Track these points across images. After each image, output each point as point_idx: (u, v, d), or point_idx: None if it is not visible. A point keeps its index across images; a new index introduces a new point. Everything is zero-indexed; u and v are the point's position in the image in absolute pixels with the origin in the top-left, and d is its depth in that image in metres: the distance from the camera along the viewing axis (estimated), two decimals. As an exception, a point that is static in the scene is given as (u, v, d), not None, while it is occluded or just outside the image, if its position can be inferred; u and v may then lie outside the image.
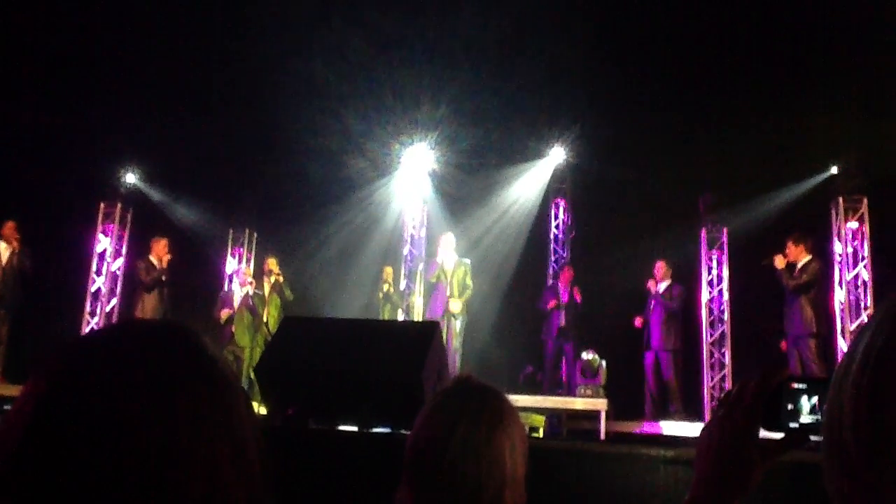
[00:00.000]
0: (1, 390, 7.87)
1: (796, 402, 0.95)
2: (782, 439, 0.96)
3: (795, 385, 0.96)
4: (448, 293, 9.10)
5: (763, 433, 0.97)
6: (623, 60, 9.96)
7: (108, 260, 12.10)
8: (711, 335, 10.85)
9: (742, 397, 0.97)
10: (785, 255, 8.08)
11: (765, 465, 0.96)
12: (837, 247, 10.34)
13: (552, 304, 9.58)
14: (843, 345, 9.48)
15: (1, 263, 9.18)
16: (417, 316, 10.85)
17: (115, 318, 11.90)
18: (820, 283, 8.17)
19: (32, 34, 10.01)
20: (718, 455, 0.97)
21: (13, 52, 10.09)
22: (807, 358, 7.93)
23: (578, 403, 8.23)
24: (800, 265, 8.06)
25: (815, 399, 0.95)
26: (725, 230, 11.08)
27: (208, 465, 0.69)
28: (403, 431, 3.53)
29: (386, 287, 10.58)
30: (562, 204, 12.12)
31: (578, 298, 9.51)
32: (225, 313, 9.81)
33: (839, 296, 10.01)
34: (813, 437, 0.93)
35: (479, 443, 1.44)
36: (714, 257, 11.14)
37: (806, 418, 0.95)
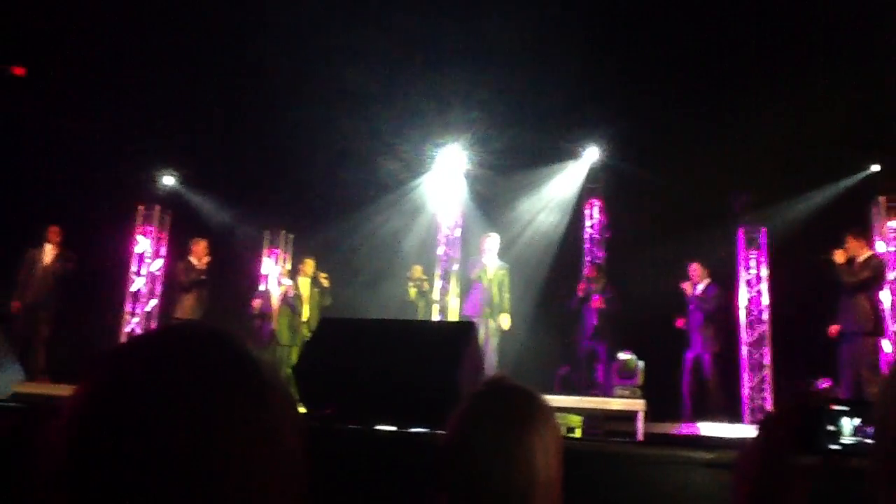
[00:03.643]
0: (44, 389, 8.02)
1: (837, 424, 0.93)
2: (822, 461, 0.94)
3: (836, 406, 0.94)
4: (487, 295, 9.08)
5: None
6: (657, 59, 9.87)
7: (148, 261, 12.29)
8: (750, 336, 10.71)
9: (782, 419, 0.96)
10: (845, 250, 7.84)
11: (805, 487, 0.95)
12: (879, 246, 10.15)
13: (578, 294, 9.52)
14: (886, 346, 9.30)
15: (44, 265, 9.38)
16: (452, 317, 10.86)
17: (154, 319, 12.08)
18: (880, 279, 7.95)
19: (70, 40, 10.17)
20: (758, 478, 0.96)
21: (53, 58, 10.27)
22: (860, 357, 7.70)
23: (615, 404, 8.17)
24: (860, 260, 7.82)
25: (857, 421, 0.93)
26: (764, 230, 10.93)
27: (249, 468, 0.71)
28: (440, 431, 3.52)
29: (419, 284, 10.60)
30: (597, 204, 12.05)
31: (580, 293, 9.45)
32: (257, 303, 9.94)
33: (882, 296, 9.81)
34: (854, 459, 0.92)
35: (507, 443, 1.43)
36: (752, 257, 11.00)
37: (847, 440, 0.93)
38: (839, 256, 7.81)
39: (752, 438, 1.01)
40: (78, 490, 0.68)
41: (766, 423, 0.99)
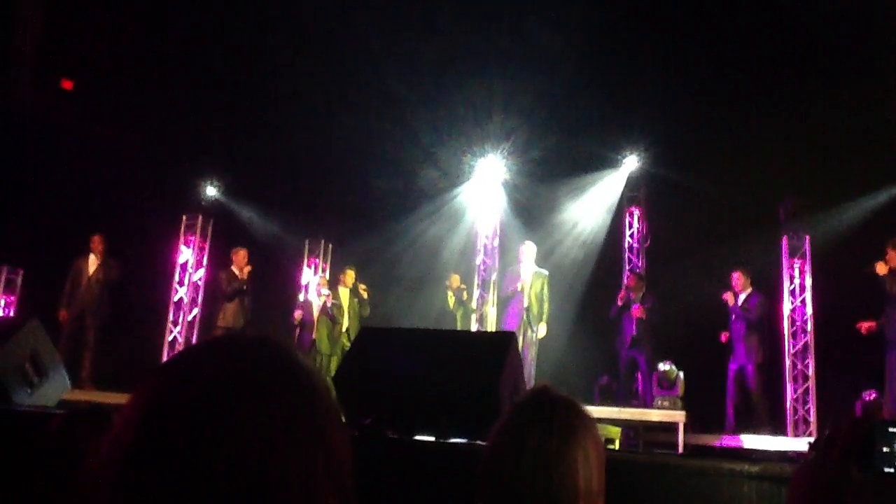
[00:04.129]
0: (90, 397, 8.16)
1: (893, 445, 0.90)
2: (879, 482, 0.91)
3: (892, 428, 0.91)
4: (525, 304, 9.08)
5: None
6: (698, 65, 9.79)
7: (190, 270, 12.44)
8: (794, 346, 10.52)
9: (835, 440, 0.94)
10: (886, 262, 7.73)
11: None
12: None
13: (618, 303, 9.46)
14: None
15: (88, 275, 9.56)
16: (491, 326, 10.84)
17: (196, 327, 12.23)
18: None
19: (115, 54, 10.38)
20: (812, 497, 0.94)
21: (98, 72, 10.49)
22: None
23: (655, 415, 8.10)
24: None
25: None
26: (808, 237, 10.74)
27: (304, 475, 0.72)
28: (480, 442, 3.53)
29: (458, 293, 10.61)
30: (636, 212, 11.96)
31: (619, 301, 9.39)
32: (298, 314, 10.06)
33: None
34: None
35: (549, 456, 1.41)
36: (796, 266, 10.80)
37: None
38: (881, 268, 7.70)
39: (807, 456, 0.99)
40: (133, 497, 0.69)
41: (820, 442, 0.97)
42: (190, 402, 0.72)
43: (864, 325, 7.91)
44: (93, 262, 9.62)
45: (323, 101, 10.80)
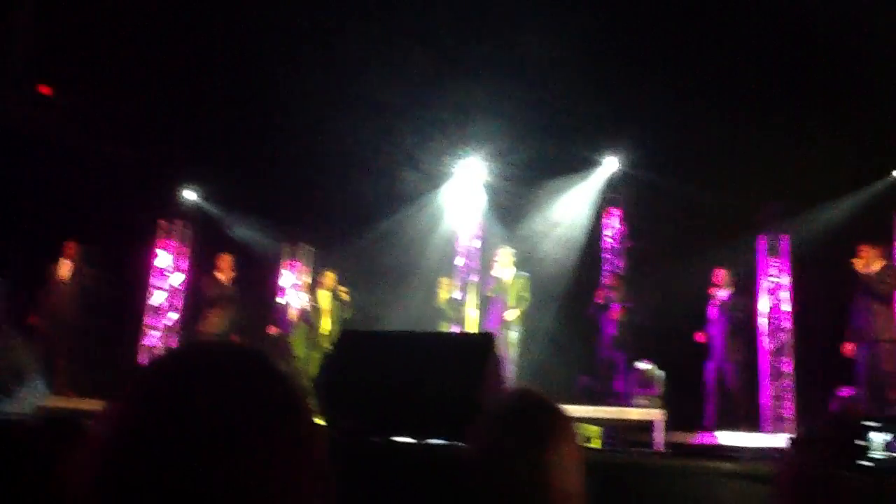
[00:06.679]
0: (66, 404, 8.08)
1: (868, 440, 0.91)
2: (860, 477, 0.92)
3: (867, 423, 0.93)
4: (505, 306, 9.10)
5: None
6: (677, 66, 9.85)
7: (168, 275, 12.35)
8: (771, 344, 10.61)
9: (813, 437, 0.95)
10: (862, 259, 7.83)
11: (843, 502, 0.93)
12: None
13: (597, 301, 9.56)
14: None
15: (63, 281, 9.46)
16: (472, 328, 10.86)
17: (174, 333, 12.15)
18: None
19: (94, 57, 10.29)
20: (795, 495, 0.95)
21: (77, 76, 10.40)
22: (880, 363, 7.66)
23: (634, 414, 8.13)
24: (879, 269, 7.82)
25: (889, 436, 0.91)
26: (786, 237, 10.84)
27: (287, 481, 0.73)
28: (459, 443, 3.54)
29: (442, 297, 10.63)
30: (616, 214, 12.02)
31: (598, 300, 9.46)
32: (274, 330, 10.00)
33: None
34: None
35: (526, 462, 1.43)
36: (774, 265, 10.90)
37: (878, 454, 0.91)
38: (860, 265, 7.80)
39: (789, 454, 1.00)
40: None
41: (800, 439, 0.98)
42: (173, 411, 0.72)
43: (848, 349, 7.98)
44: (67, 268, 9.51)
45: (303, 105, 10.75)
